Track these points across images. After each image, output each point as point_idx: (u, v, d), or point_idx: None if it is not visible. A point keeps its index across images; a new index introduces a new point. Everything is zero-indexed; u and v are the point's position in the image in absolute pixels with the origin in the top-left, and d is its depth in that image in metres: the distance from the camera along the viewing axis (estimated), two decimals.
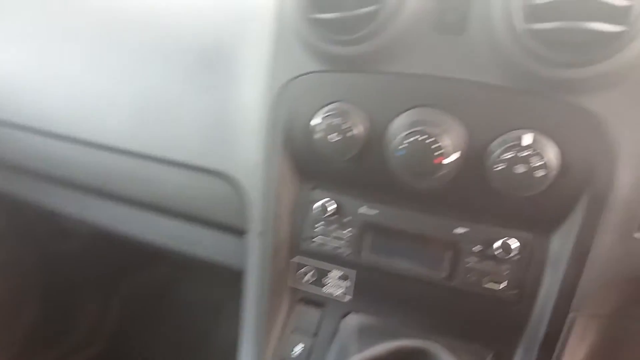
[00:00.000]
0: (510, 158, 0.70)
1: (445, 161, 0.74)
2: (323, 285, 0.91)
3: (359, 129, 0.79)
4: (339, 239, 0.88)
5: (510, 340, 0.81)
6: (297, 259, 0.92)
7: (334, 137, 0.80)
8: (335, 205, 0.87)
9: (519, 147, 0.70)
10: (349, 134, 0.79)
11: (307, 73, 0.83)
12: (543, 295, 0.77)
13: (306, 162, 0.87)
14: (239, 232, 0.97)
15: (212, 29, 0.98)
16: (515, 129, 0.72)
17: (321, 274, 0.91)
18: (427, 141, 0.73)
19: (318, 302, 0.92)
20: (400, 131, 0.76)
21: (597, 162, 0.70)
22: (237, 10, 0.97)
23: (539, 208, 0.75)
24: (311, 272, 0.92)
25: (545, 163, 0.69)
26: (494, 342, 0.82)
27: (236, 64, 0.94)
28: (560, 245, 0.76)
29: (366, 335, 0.85)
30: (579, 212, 0.73)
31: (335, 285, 0.90)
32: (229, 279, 1.14)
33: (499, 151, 0.71)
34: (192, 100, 0.98)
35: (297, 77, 0.84)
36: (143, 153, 1.02)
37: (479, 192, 0.77)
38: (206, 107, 0.96)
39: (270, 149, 0.88)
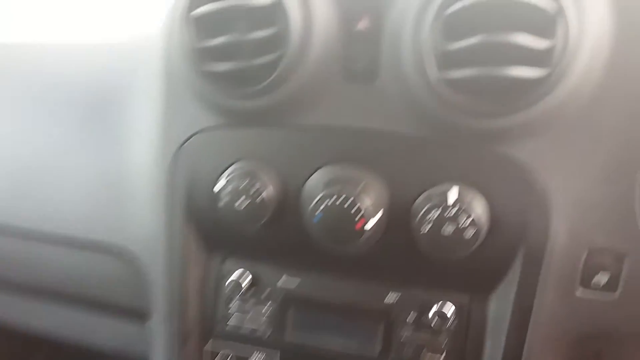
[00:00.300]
0: (436, 218, 0.63)
1: (368, 225, 0.65)
2: None
3: (269, 192, 0.69)
4: (258, 317, 0.77)
5: None
6: (210, 345, 0.79)
7: (241, 202, 0.69)
8: (250, 278, 0.76)
9: (445, 204, 0.62)
10: (258, 199, 0.69)
11: (205, 130, 0.73)
12: None
13: (213, 232, 0.76)
14: (141, 316, 0.83)
15: (103, 79, 0.86)
16: (438, 183, 0.65)
17: (241, 359, 0.78)
18: (346, 205, 0.64)
19: None
20: (315, 193, 0.67)
21: (530, 215, 0.64)
22: (129, 57, 0.85)
23: (472, 269, 0.68)
24: (231, 356, 0.79)
25: (474, 221, 0.62)
26: None
27: (129, 119, 0.82)
28: (500, 307, 0.68)
29: None
30: (515, 271, 0.66)
31: None
32: None
33: (424, 210, 0.63)
34: (78, 162, 0.84)
35: (195, 134, 0.73)
36: (23, 228, 0.87)
37: (408, 256, 0.69)
38: (94, 169, 0.83)
39: (170, 218, 0.76)
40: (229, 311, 0.77)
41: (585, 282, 0.66)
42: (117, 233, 0.82)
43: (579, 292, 0.66)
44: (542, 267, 0.65)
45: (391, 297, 0.72)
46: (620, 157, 0.61)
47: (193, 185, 0.74)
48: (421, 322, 0.71)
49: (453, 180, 0.65)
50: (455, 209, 0.62)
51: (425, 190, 0.65)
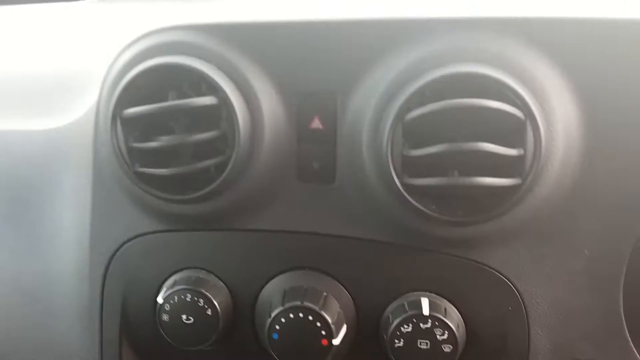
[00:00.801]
0: (410, 332, 0.57)
1: (335, 341, 0.58)
2: None
3: (218, 306, 0.60)
4: None
5: None
6: None
7: (186, 319, 0.60)
8: None
9: (419, 317, 0.57)
10: (206, 314, 0.60)
11: (142, 235, 0.64)
12: None
13: (154, 353, 0.66)
14: None
15: (20, 170, 0.75)
16: (409, 292, 0.59)
17: None
18: (309, 318, 0.57)
19: None
20: (271, 305, 0.59)
21: (508, 326, 0.59)
22: (51, 146, 0.75)
23: None
24: None
25: (451, 334, 0.56)
26: None
27: (51, 218, 0.72)
28: None
29: None
30: None
31: None
32: None
33: (395, 323, 0.57)
34: None
35: (130, 240, 0.64)
36: None
37: None
38: (9, 281, 0.71)
39: (102, 340, 0.66)
40: None
41: None
42: (43, 353, 0.70)
43: None
44: None
45: None
46: (600, 263, 0.57)
47: (129, 298, 0.64)
48: None
49: (423, 289, 0.59)
50: (430, 320, 0.56)
51: (394, 300, 0.60)
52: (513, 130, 0.51)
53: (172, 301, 0.61)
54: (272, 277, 0.62)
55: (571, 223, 0.57)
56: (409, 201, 0.53)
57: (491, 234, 0.56)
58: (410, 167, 0.53)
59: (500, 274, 0.58)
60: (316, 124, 0.59)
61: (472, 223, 0.55)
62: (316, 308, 0.57)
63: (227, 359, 0.65)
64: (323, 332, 0.58)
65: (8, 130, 0.75)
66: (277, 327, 0.58)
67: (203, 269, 0.63)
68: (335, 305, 0.59)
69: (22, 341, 0.71)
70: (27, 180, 0.74)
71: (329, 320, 0.58)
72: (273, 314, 0.58)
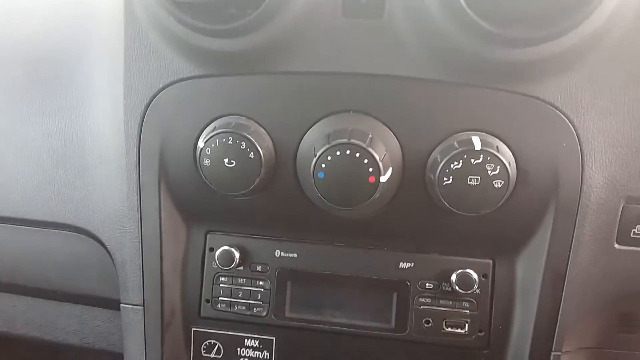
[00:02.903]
0: (460, 168, 0.54)
1: (383, 178, 0.55)
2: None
3: (261, 149, 0.58)
4: (250, 297, 0.67)
5: None
6: (194, 333, 0.69)
7: (228, 162, 0.59)
8: (239, 254, 0.65)
9: (470, 152, 0.54)
10: (248, 158, 0.58)
11: (180, 80, 0.61)
12: (516, 335, 0.62)
13: (193, 201, 0.65)
14: (111, 304, 0.71)
15: (50, 33, 0.73)
16: (458, 132, 0.57)
17: (232, 346, 0.68)
18: (356, 155, 0.55)
19: None
20: (317, 147, 0.57)
21: (562, 163, 0.57)
22: (81, 12, 0.72)
23: (498, 228, 0.60)
24: (219, 345, 0.69)
25: (504, 167, 0.54)
26: None
27: (82, 78, 0.70)
28: (529, 270, 0.61)
29: None
30: (546, 227, 0.59)
31: (253, 357, 0.68)
32: None
33: (445, 160, 0.55)
34: (24, 131, 0.72)
35: (167, 87, 0.62)
36: None
37: (424, 215, 0.60)
38: (44, 139, 0.71)
39: (140, 189, 0.64)
40: (216, 291, 0.67)
41: (623, 235, 0.59)
42: (75, 212, 0.70)
43: (617, 247, 0.59)
44: (577, 220, 0.58)
45: (406, 264, 0.63)
46: None
47: (167, 147, 0.63)
48: (441, 290, 0.63)
49: (473, 128, 0.56)
50: (482, 155, 0.54)
51: (442, 141, 0.57)
52: None
53: (213, 145, 0.59)
54: (315, 122, 0.59)
55: (635, 48, 0.52)
56: (469, 18, 0.49)
57: (549, 59, 0.52)
58: None
59: (556, 108, 0.55)
60: None
61: (533, 42, 0.51)
62: (363, 144, 0.55)
63: (267, 208, 0.63)
64: (370, 169, 0.55)
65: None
66: (323, 165, 0.56)
67: (243, 116, 0.60)
68: (381, 146, 0.56)
69: (54, 197, 0.70)
70: (55, 39, 0.72)
71: (377, 157, 0.55)
72: (319, 153, 0.56)
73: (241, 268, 0.66)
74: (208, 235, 0.67)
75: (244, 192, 0.60)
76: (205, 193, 0.62)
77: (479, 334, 0.63)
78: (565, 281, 0.59)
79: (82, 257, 0.72)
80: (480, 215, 0.57)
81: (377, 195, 0.57)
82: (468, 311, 0.63)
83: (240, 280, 0.67)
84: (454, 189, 0.55)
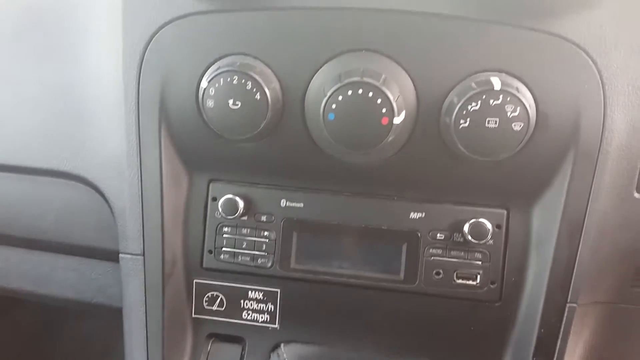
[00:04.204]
0: (477, 110, 0.52)
1: (396, 120, 0.53)
2: (240, 312, 0.67)
3: (268, 90, 0.55)
4: (255, 248, 0.64)
5: (493, 349, 0.62)
6: (197, 284, 0.66)
7: (233, 104, 0.56)
8: (243, 203, 0.63)
9: (489, 93, 0.51)
10: (254, 99, 0.55)
11: (182, 17, 0.58)
12: (530, 286, 0.60)
13: (196, 146, 0.62)
14: (109, 255, 0.68)
15: None
16: (476, 73, 0.54)
17: (235, 298, 0.66)
18: (369, 95, 0.52)
19: (235, 336, 0.67)
20: (327, 87, 0.54)
21: (583, 105, 0.54)
22: None
23: (515, 175, 0.58)
24: (221, 297, 0.67)
25: (524, 109, 0.52)
26: (473, 356, 0.63)
27: (79, 19, 0.66)
28: (545, 219, 0.59)
29: None
30: (565, 173, 0.57)
31: (257, 310, 0.66)
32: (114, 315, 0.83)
33: (461, 102, 0.52)
34: (17, 76, 0.69)
35: (167, 24, 0.58)
36: None
37: (438, 162, 0.58)
38: (40, 83, 0.68)
39: (139, 134, 0.62)
40: (220, 241, 0.65)
41: None
42: (73, 160, 0.67)
43: (636, 196, 0.57)
44: (597, 167, 0.56)
45: (417, 214, 0.61)
46: None
47: (168, 89, 0.59)
48: (453, 240, 0.61)
49: (492, 69, 0.54)
50: (502, 96, 0.51)
51: (459, 83, 0.54)
52: None
53: (217, 85, 0.56)
54: (325, 62, 0.56)
55: None
56: None
57: None
58: None
59: (579, 47, 0.53)
60: None
61: None
62: (377, 83, 0.52)
63: (273, 154, 0.60)
64: (383, 110, 0.53)
65: None
66: (334, 106, 0.54)
67: (249, 55, 0.57)
68: (395, 86, 0.54)
69: (50, 143, 0.67)
70: None
71: (391, 97, 0.52)
72: (329, 92, 0.53)
73: (245, 218, 0.64)
74: (211, 184, 0.64)
75: (249, 136, 0.58)
76: (208, 138, 0.60)
77: (491, 285, 0.61)
78: (583, 230, 0.57)
79: (79, 206, 0.70)
80: (496, 161, 0.55)
81: (390, 138, 0.54)
82: (480, 262, 0.61)
83: (245, 231, 0.64)
84: (471, 133, 0.53)
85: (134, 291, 0.65)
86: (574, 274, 0.58)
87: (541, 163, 0.57)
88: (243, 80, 0.55)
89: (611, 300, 0.62)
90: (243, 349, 0.67)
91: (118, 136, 0.63)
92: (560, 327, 0.59)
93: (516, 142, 0.53)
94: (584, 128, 0.55)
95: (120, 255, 0.65)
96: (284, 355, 0.65)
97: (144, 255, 0.64)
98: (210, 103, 0.56)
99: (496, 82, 0.52)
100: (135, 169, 0.62)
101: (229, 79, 0.55)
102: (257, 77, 0.55)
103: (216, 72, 0.55)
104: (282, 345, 0.66)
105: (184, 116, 0.60)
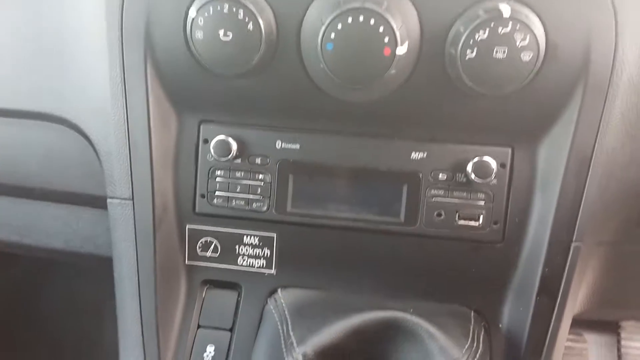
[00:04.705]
0: (485, 39, 0.49)
1: (399, 50, 0.50)
2: (235, 258, 0.65)
3: (261, 19, 0.52)
4: (250, 191, 0.62)
5: (495, 290, 0.61)
6: (191, 227, 0.64)
7: (224, 35, 0.52)
8: (237, 144, 0.60)
9: (497, 20, 0.49)
10: (247, 30, 0.52)
11: None
12: (535, 226, 0.58)
13: (184, 84, 0.58)
14: (95, 202, 0.65)
15: None
16: (480, 1, 0.51)
17: (230, 243, 0.64)
18: (371, 22, 0.49)
19: (230, 283, 0.66)
20: (325, 14, 0.50)
21: (595, 35, 0.52)
22: None
23: (521, 110, 0.55)
24: (215, 243, 0.64)
25: (533, 39, 0.49)
26: (474, 298, 0.62)
27: None
28: (552, 156, 0.57)
29: (305, 317, 0.61)
30: (573, 108, 0.54)
31: (252, 255, 0.64)
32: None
33: (468, 31, 0.49)
34: None
35: None
36: None
37: (442, 98, 0.55)
38: (17, 21, 0.64)
39: (124, 71, 0.58)
40: (213, 185, 0.62)
41: None
42: (55, 101, 0.63)
43: None
44: (606, 100, 0.53)
45: (418, 154, 0.59)
46: None
47: (154, 21, 0.56)
48: (455, 181, 0.59)
49: None
50: (511, 23, 0.48)
51: (466, 10, 0.51)
52: None
53: (207, 14, 0.52)
54: None
55: None
56: None
57: None
58: None
59: None
60: None
61: None
62: (379, 9, 0.49)
63: (267, 92, 0.57)
64: (386, 39, 0.50)
65: None
66: (333, 35, 0.50)
67: None
68: (398, 15, 0.50)
69: (30, 83, 0.64)
70: None
71: (394, 25, 0.49)
72: (328, 20, 0.50)
73: (239, 161, 0.61)
74: (202, 126, 0.61)
75: (241, 71, 0.54)
76: (198, 74, 0.56)
77: (494, 226, 0.59)
78: (590, 167, 0.55)
79: (63, 151, 0.66)
80: (503, 95, 0.52)
81: (392, 71, 0.51)
82: (483, 202, 0.59)
83: (238, 174, 0.62)
84: (478, 63, 0.50)
85: (123, 238, 0.63)
86: (579, 212, 0.56)
87: (549, 96, 0.54)
88: (234, 9, 0.51)
89: (616, 240, 0.61)
90: (239, 295, 0.65)
91: (102, 75, 0.59)
92: (564, 267, 0.57)
93: (525, 74, 0.51)
94: (594, 59, 0.52)
95: (108, 200, 0.62)
96: (281, 300, 0.63)
97: (132, 199, 0.61)
98: (199, 34, 0.53)
99: (505, 9, 0.49)
100: (121, 110, 0.59)
101: (219, 7, 0.51)
102: (249, 5, 0.51)
103: (204, 1, 0.51)
104: (279, 290, 0.65)
105: (171, 50, 0.56)
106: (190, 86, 0.58)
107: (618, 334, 0.90)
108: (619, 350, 0.91)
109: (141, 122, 0.59)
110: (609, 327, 0.91)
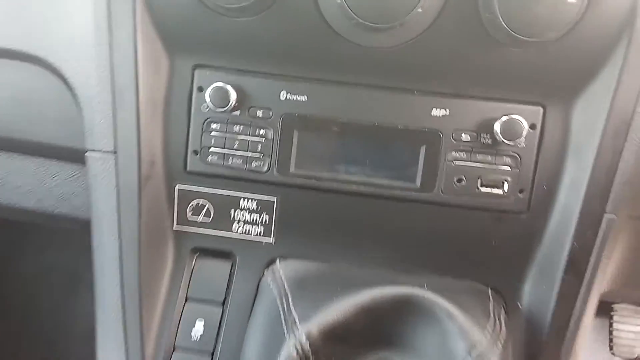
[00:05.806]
0: None
1: None
2: (229, 224, 0.58)
3: None
4: (249, 148, 0.55)
5: (515, 266, 0.56)
6: (181, 187, 0.57)
7: None
8: (236, 94, 0.53)
9: None
10: None
11: None
12: (565, 195, 0.53)
13: (177, 21, 0.52)
14: (75, 156, 0.58)
15: None
16: None
17: (224, 207, 0.58)
18: None
19: (223, 252, 0.59)
20: None
21: None
22: None
23: (559, 63, 0.50)
24: (208, 206, 0.58)
25: None
26: (493, 274, 0.57)
27: None
28: (587, 118, 0.52)
29: (308, 292, 0.55)
30: (614, 64, 0.49)
31: (249, 221, 0.58)
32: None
33: None
34: None
35: None
36: None
37: (471, 45, 0.50)
38: None
39: (109, 4, 0.50)
40: (207, 140, 0.55)
41: None
42: (27, 36, 0.56)
43: None
44: None
45: (439, 111, 0.53)
46: None
47: None
48: (479, 142, 0.53)
49: None
50: None
51: None
52: None
53: None
54: None
55: None
56: None
57: None
58: None
59: None
60: None
61: None
62: None
63: (272, 32, 0.51)
64: None
65: None
66: None
67: None
68: None
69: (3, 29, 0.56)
70: None
71: None
72: None
73: (237, 113, 0.54)
74: (196, 71, 0.54)
75: (242, 5, 0.47)
76: (192, 8, 0.49)
77: (519, 194, 0.54)
78: (629, 132, 0.50)
79: (35, 94, 0.58)
80: (540, 43, 0.47)
81: (419, 10, 0.45)
82: (509, 168, 0.53)
83: (237, 128, 0.55)
84: (517, 4, 0.44)
85: (104, 197, 0.56)
86: (614, 181, 0.51)
87: (590, 49, 0.49)
88: None
89: None
90: (233, 266, 0.59)
91: (83, 8, 0.51)
92: (594, 241, 0.52)
93: (568, 19, 0.45)
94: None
95: (88, 153, 0.55)
96: (280, 272, 0.57)
97: (115, 152, 0.54)
98: None
99: None
100: (105, 49, 0.52)
101: None
102: None
103: None
104: (277, 261, 0.58)
105: None
106: (184, 23, 0.51)
107: (610, 317, 0.88)
108: (610, 333, 0.88)
109: (127, 63, 0.51)
110: (601, 310, 0.88)
